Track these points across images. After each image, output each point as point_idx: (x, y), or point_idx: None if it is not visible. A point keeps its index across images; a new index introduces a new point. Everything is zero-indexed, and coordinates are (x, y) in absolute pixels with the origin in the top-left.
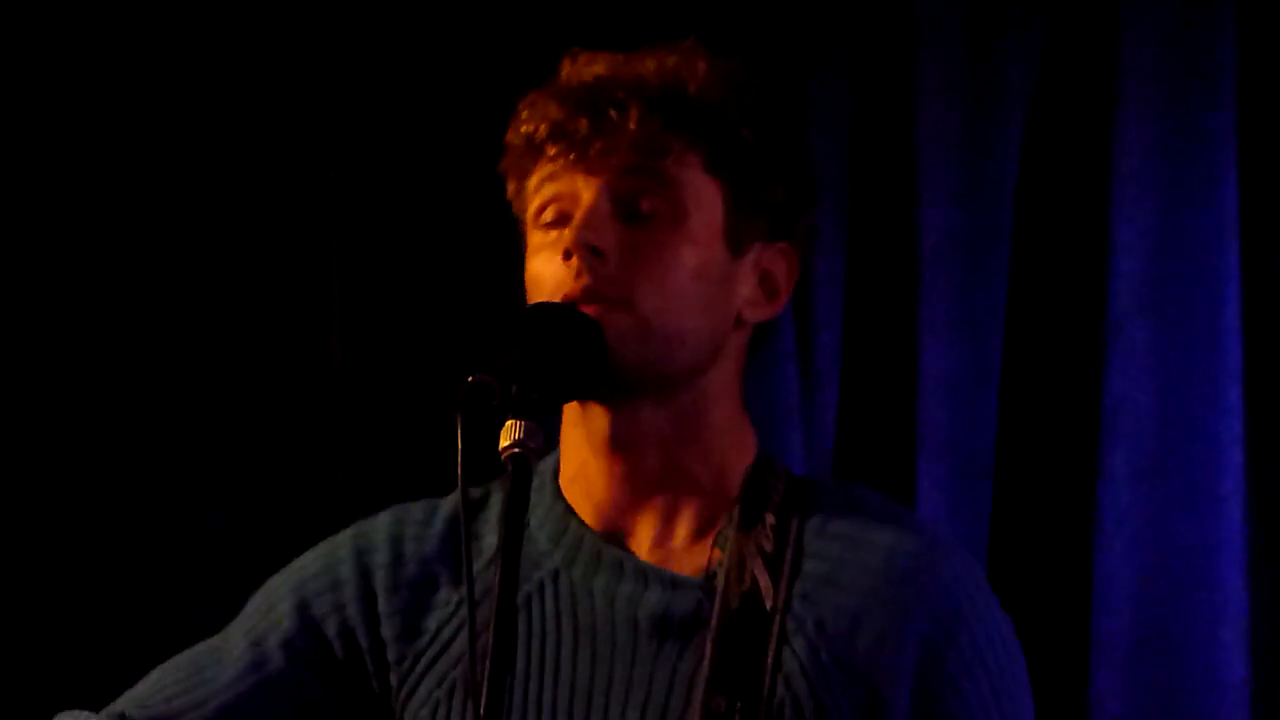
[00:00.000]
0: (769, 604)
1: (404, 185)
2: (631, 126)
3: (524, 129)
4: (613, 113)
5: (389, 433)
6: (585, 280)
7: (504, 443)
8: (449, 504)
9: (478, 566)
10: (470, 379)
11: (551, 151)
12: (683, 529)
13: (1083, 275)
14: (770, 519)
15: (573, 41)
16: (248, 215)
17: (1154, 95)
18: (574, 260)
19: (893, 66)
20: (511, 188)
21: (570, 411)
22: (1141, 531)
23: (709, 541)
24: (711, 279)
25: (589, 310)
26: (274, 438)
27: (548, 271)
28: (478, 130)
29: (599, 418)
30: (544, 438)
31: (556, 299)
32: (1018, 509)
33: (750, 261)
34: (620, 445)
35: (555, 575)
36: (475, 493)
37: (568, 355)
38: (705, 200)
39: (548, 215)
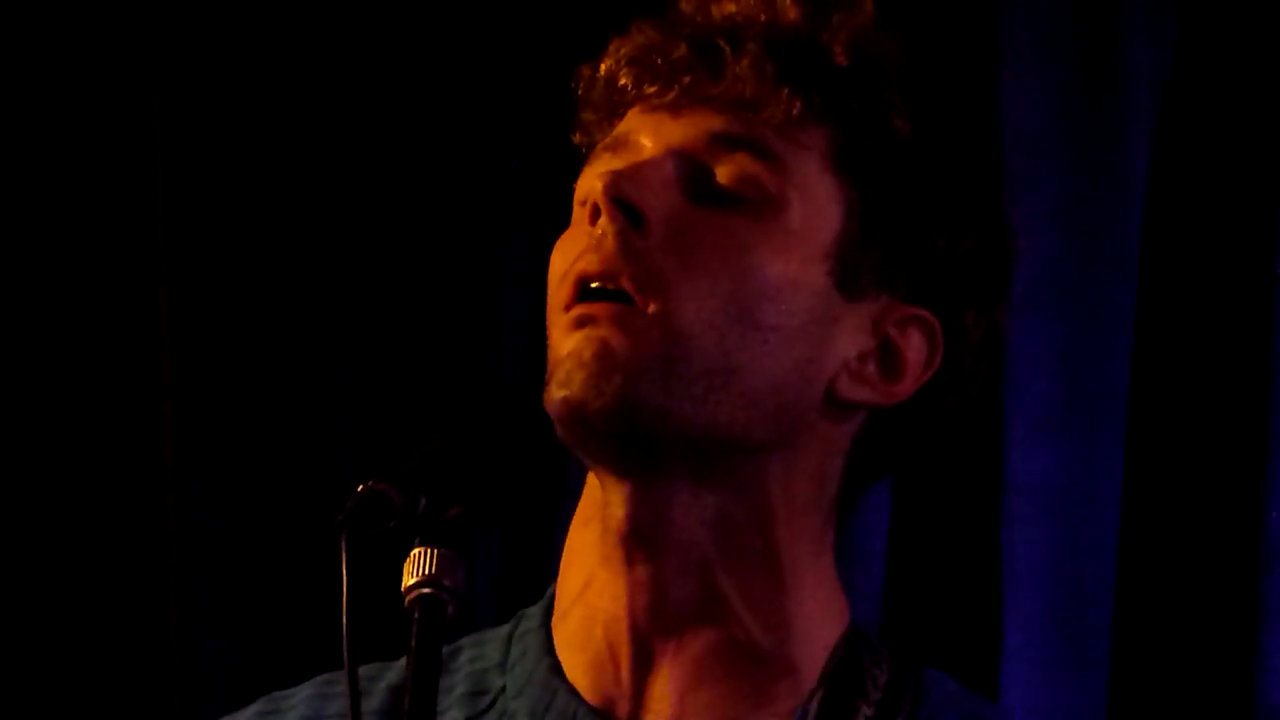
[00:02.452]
0: None
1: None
2: (740, 67)
3: (604, 64)
4: (722, 43)
5: (245, 563)
6: (609, 249)
7: (407, 580)
8: (397, 671)
9: None
10: (360, 488)
11: (625, 82)
12: (722, 708)
13: (1241, 338)
14: None
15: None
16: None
17: None
18: (601, 222)
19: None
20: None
21: (583, 504)
22: None
23: None
24: (797, 309)
25: (598, 308)
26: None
27: (563, 252)
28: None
29: (615, 501)
30: (465, 573)
31: (565, 288)
32: (1147, 681)
33: (868, 314)
34: (641, 542)
35: None
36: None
37: (502, 451)
38: (818, 201)
39: (594, 184)
